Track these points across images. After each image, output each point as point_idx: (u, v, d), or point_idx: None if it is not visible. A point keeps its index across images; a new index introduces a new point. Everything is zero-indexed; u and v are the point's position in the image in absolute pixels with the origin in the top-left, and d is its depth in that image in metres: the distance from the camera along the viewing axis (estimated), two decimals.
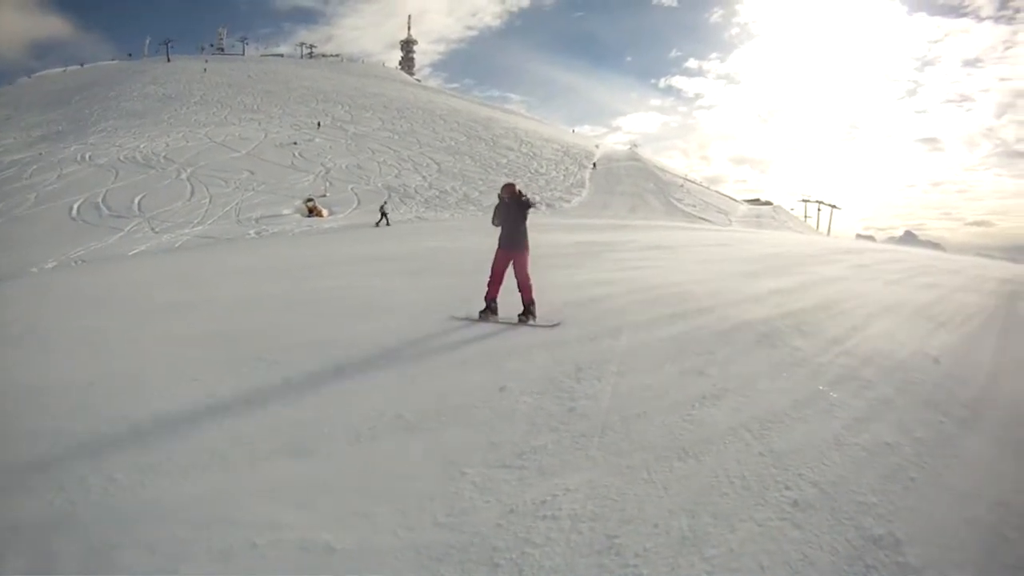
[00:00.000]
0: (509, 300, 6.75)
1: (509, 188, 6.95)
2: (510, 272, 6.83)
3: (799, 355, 4.93)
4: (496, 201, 7.07)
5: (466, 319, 6.72)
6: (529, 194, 7.00)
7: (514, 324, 6.62)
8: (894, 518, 2.70)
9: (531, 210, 6.92)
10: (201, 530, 3.01)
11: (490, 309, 6.83)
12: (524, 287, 6.76)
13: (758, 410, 3.90)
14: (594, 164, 55.21)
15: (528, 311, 6.72)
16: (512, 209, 6.82)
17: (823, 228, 63.50)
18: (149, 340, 6.69)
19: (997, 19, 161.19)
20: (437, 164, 49.33)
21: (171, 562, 2.79)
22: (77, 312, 8.97)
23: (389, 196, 37.90)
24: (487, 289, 6.86)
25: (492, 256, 6.96)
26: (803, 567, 2.41)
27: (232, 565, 2.75)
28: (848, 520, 2.70)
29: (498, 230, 6.96)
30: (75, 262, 20.87)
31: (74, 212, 32.06)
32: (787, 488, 2.94)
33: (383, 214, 29.71)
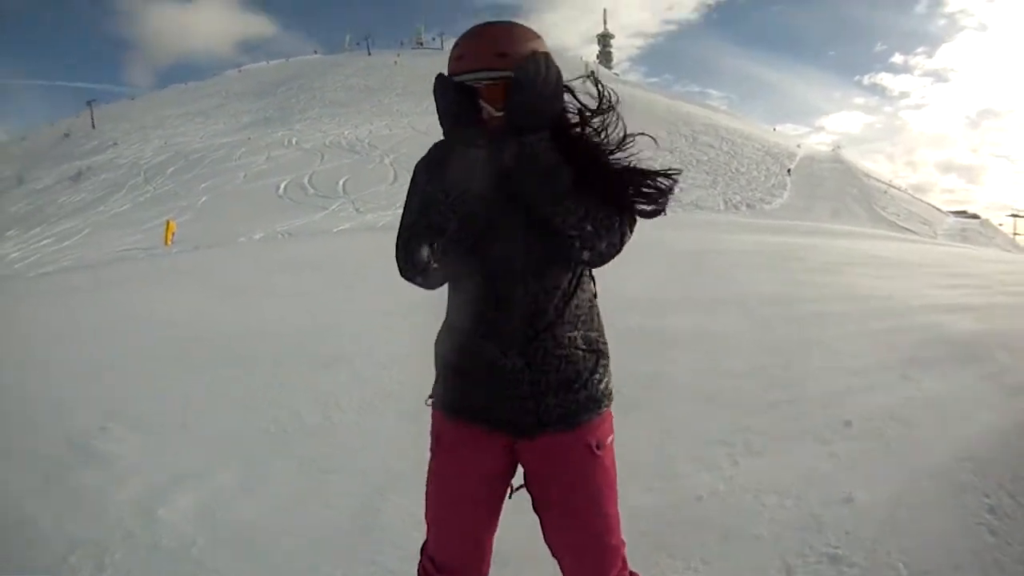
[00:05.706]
0: None
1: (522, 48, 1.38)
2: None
3: (1006, 371, 4.76)
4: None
5: None
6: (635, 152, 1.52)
7: None
8: None
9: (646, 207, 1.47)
10: (418, 465, 3.20)
11: None
12: None
13: (963, 418, 3.88)
14: (789, 171, 52.15)
15: None
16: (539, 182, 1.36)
17: None
18: (360, 302, 7.27)
19: None
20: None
21: (380, 490, 2.98)
22: (289, 274, 9.97)
23: None
24: None
25: None
26: (994, 571, 2.44)
27: None
28: None
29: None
30: (281, 235, 23.11)
31: (280, 190, 35.68)
32: (986, 496, 2.92)
33: None
